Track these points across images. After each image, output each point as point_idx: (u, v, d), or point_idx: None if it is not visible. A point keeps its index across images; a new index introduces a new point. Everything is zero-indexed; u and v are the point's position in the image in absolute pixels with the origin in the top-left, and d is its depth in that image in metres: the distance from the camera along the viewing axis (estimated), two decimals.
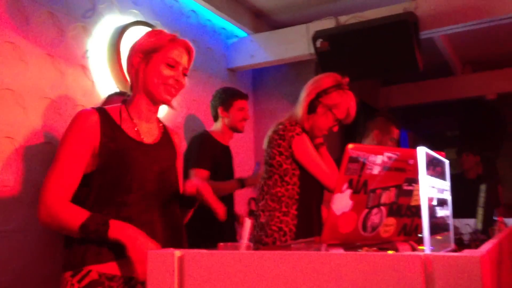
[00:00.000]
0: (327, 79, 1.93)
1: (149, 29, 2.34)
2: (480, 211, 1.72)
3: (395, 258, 0.66)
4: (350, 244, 0.93)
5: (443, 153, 0.94)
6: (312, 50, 3.10)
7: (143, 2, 2.68)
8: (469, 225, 1.69)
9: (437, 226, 0.85)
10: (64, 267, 1.31)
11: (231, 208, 2.64)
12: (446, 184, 0.92)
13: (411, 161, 0.93)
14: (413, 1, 2.96)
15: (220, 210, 1.41)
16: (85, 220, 1.24)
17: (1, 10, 1.92)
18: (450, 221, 0.94)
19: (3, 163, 1.86)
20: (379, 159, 0.88)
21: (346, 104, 1.91)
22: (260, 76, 3.83)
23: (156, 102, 1.45)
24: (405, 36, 2.81)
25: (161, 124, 1.53)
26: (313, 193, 1.92)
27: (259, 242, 1.84)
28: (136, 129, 1.41)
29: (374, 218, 0.92)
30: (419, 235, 1.02)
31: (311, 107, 1.90)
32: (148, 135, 1.44)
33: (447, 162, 0.94)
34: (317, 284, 0.69)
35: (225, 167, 2.58)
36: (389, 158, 0.90)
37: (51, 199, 1.27)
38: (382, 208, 0.93)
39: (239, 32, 3.52)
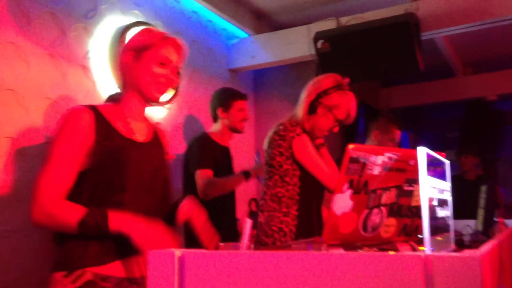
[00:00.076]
0: (327, 79, 1.93)
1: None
2: (480, 212, 1.71)
3: (396, 258, 0.66)
4: (350, 244, 0.93)
5: (443, 153, 0.94)
6: (313, 51, 3.10)
7: (144, 2, 2.69)
8: (469, 226, 1.69)
9: (438, 226, 0.85)
10: (55, 267, 1.28)
11: (233, 210, 2.64)
12: (446, 185, 0.92)
13: (411, 162, 0.93)
14: (414, 2, 2.96)
15: (206, 242, 1.40)
16: (83, 216, 1.22)
17: (2, 10, 1.92)
18: (451, 222, 0.94)
19: (4, 163, 1.86)
20: (379, 159, 0.89)
21: (346, 104, 1.91)
22: (261, 77, 3.83)
23: (147, 100, 1.44)
24: (406, 37, 2.81)
25: (150, 123, 1.52)
26: (313, 194, 1.92)
27: (259, 242, 1.84)
28: (129, 127, 1.40)
29: (375, 218, 0.92)
30: (420, 236, 1.02)
31: (312, 108, 1.90)
32: (140, 133, 1.43)
33: (447, 162, 0.94)
34: (317, 284, 0.69)
35: (225, 168, 2.58)
36: (390, 158, 0.90)
37: (45, 198, 1.24)
38: (383, 208, 0.93)
39: (240, 33, 3.53)
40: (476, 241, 1.49)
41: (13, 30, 1.95)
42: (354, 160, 0.86)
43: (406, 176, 0.94)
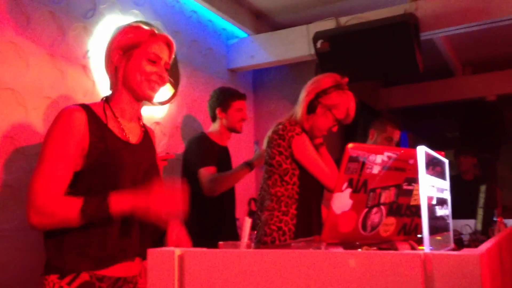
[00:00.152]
0: (326, 79, 1.94)
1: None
2: (480, 212, 1.72)
3: (395, 257, 0.66)
4: (349, 243, 0.93)
5: (442, 152, 0.94)
6: (313, 51, 3.10)
7: (144, 2, 2.69)
8: (469, 225, 1.70)
9: (437, 226, 0.85)
10: (48, 270, 1.26)
11: (233, 209, 2.64)
12: (445, 184, 0.93)
13: (411, 161, 0.93)
14: (413, 3, 2.96)
15: None
16: (82, 205, 1.20)
17: (2, 10, 1.92)
18: (450, 221, 0.94)
19: (4, 163, 1.86)
20: (379, 158, 0.89)
21: (345, 104, 1.91)
22: (261, 76, 3.83)
23: (139, 99, 1.42)
24: (406, 37, 2.81)
25: (141, 123, 1.50)
26: (312, 193, 1.92)
27: (258, 241, 1.84)
28: (121, 128, 1.38)
29: (374, 217, 0.92)
30: (419, 235, 1.02)
31: (311, 107, 1.90)
32: (132, 134, 1.41)
33: (446, 161, 0.94)
34: (316, 283, 0.69)
35: (224, 168, 2.57)
36: (389, 157, 0.90)
37: (42, 198, 1.21)
38: (382, 207, 0.93)
39: (240, 32, 3.53)
40: (475, 241, 1.49)
41: (12, 30, 1.95)
42: (353, 159, 0.86)
43: (406, 175, 0.94)
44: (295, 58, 3.36)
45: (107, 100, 1.41)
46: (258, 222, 1.90)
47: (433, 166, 0.86)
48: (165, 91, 2.80)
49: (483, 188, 1.76)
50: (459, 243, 1.46)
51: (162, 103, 2.78)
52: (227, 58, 3.49)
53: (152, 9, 2.75)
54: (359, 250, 0.93)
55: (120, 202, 1.23)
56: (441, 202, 0.89)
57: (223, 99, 2.57)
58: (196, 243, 1.44)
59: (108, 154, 1.30)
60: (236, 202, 2.67)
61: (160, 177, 1.51)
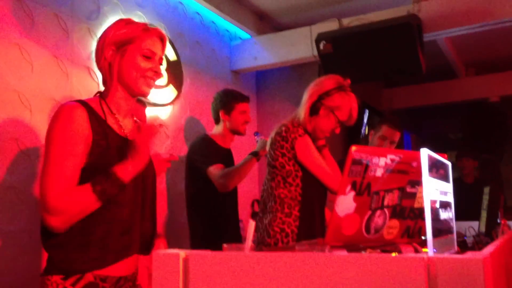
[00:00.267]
0: (329, 81, 1.94)
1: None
2: (483, 214, 1.72)
3: (399, 260, 0.67)
4: (353, 246, 0.93)
5: (445, 154, 0.94)
6: (315, 52, 3.10)
7: (147, 3, 2.70)
8: (472, 227, 1.69)
9: (440, 228, 0.86)
10: (50, 270, 1.25)
11: (236, 211, 2.64)
12: (449, 186, 0.93)
13: (414, 163, 0.93)
14: (416, 4, 2.96)
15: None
16: (93, 188, 1.22)
17: (6, 12, 1.93)
18: (453, 223, 0.94)
19: (9, 164, 1.87)
20: (382, 161, 0.89)
21: (348, 106, 1.91)
22: (264, 78, 3.84)
23: (134, 95, 1.41)
24: (409, 39, 2.81)
25: (134, 118, 1.50)
26: (315, 195, 1.92)
27: (261, 243, 1.84)
28: (119, 124, 1.38)
29: (378, 220, 0.92)
30: (422, 238, 1.02)
31: (313, 109, 1.90)
32: (129, 130, 1.41)
33: (449, 164, 0.94)
34: (320, 286, 0.70)
35: None
36: (392, 160, 0.90)
37: (54, 202, 1.20)
38: (385, 210, 0.93)
39: (243, 34, 3.54)
40: (479, 243, 1.49)
41: (17, 32, 1.96)
42: (356, 162, 0.86)
43: (409, 178, 0.95)
44: (298, 59, 3.36)
45: (102, 96, 1.40)
46: (259, 224, 1.90)
47: (436, 168, 0.86)
48: (169, 92, 2.81)
49: (486, 189, 1.76)
50: (463, 246, 1.45)
51: (165, 105, 2.79)
52: (230, 60, 3.49)
53: (155, 11, 2.76)
54: (363, 252, 0.93)
55: (125, 169, 1.26)
56: (445, 204, 0.89)
57: (227, 101, 2.56)
58: (200, 245, 1.45)
59: (109, 152, 1.30)
60: (239, 204, 2.67)
61: (155, 174, 1.51)
